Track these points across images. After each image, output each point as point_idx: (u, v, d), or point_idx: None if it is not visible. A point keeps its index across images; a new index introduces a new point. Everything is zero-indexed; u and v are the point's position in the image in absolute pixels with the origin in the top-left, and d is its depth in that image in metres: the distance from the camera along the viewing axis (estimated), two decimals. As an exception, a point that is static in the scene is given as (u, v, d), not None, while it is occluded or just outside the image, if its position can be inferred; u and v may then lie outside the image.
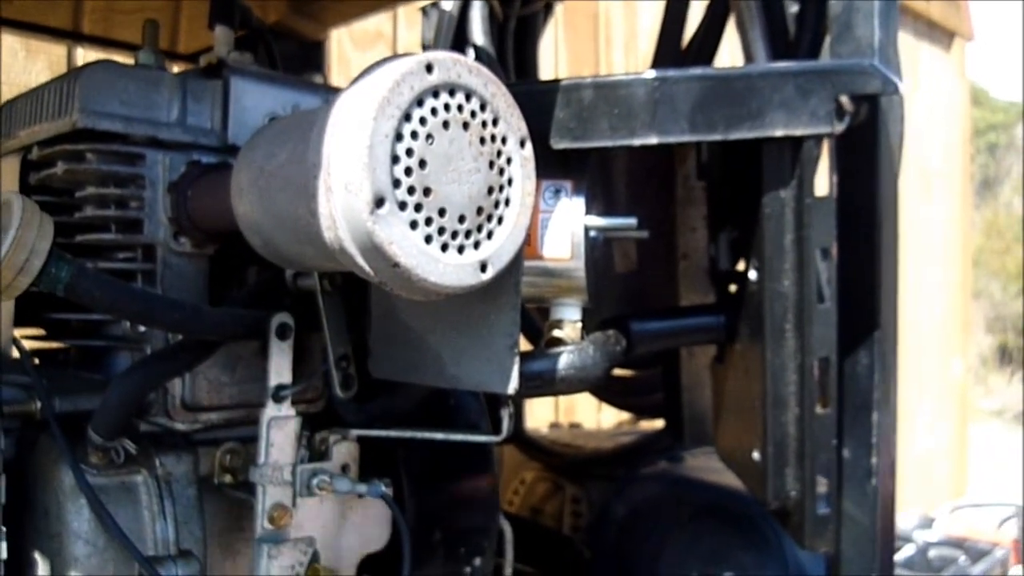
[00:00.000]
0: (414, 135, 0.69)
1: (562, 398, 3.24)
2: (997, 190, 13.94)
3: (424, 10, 1.57)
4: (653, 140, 0.89)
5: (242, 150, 0.84)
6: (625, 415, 2.20)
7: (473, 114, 0.72)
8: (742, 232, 1.04)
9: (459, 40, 1.50)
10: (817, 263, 0.91)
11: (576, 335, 0.94)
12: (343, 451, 0.96)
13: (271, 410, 0.92)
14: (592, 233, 0.90)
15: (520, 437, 1.81)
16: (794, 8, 1.23)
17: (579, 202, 0.89)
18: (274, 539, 0.91)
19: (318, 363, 1.00)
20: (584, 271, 0.89)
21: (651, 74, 0.90)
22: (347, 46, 2.81)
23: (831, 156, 0.92)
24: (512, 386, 0.81)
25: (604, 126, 0.90)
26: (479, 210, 0.73)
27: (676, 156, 1.15)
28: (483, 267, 0.74)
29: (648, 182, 1.14)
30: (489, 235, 0.75)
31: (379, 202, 0.67)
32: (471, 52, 1.48)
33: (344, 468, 0.96)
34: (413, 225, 0.69)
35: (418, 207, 0.69)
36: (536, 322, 1.39)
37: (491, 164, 0.74)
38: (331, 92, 1.06)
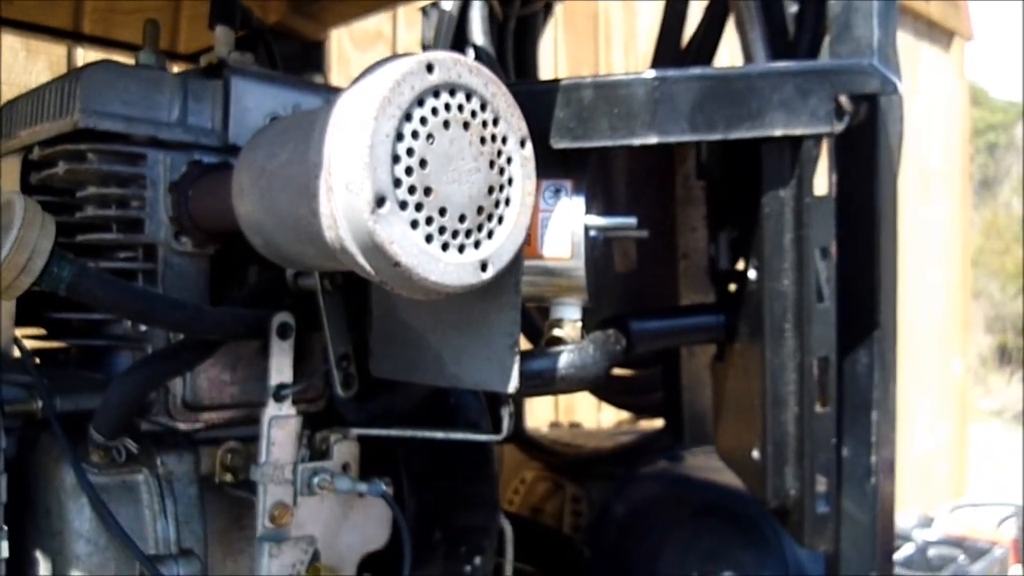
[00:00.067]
0: (415, 135, 0.69)
1: (562, 398, 3.25)
2: (996, 190, 13.94)
3: (424, 10, 1.57)
4: (653, 140, 0.90)
5: (243, 150, 0.84)
6: (625, 414, 2.20)
7: (473, 114, 0.73)
8: (742, 231, 1.05)
9: (459, 40, 1.50)
10: (816, 262, 0.91)
11: (576, 334, 0.94)
12: (344, 450, 0.96)
13: (272, 409, 0.92)
14: (592, 233, 0.90)
15: (520, 436, 1.81)
16: (793, 8, 1.23)
17: (579, 202, 0.89)
18: (275, 538, 0.91)
19: (319, 362, 1.00)
20: (584, 270, 0.90)
21: (651, 74, 0.90)
22: (347, 46, 2.81)
23: (830, 156, 0.92)
24: (512, 385, 0.82)
25: (604, 126, 0.90)
26: (479, 209, 0.74)
27: (676, 156, 1.15)
28: (483, 266, 0.74)
29: (648, 182, 1.15)
30: (489, 234, 0.75)
31: (380, 201, 0.67)
32: (471, 52, 1.48)
33: (345, 467, 0.96)
34: (414, 224, 0.69)
35: (419, 206, 0.70)
36: (536, 321, 1.39)
37: (491, 164, 0.74)
38: (332, 92, 1.06)
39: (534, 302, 0.98)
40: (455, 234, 0.72)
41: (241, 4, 1.13)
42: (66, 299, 0.80)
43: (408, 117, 0.69)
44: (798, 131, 0.87)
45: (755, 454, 0.97)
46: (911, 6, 5.49)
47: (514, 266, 0.79)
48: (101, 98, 0.92)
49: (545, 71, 1.81)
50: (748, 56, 1.27)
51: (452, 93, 0.72)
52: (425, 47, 1.55)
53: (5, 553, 0.86)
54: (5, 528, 0.86)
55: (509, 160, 0.76)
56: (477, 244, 0.74)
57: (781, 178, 0.90)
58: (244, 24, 1.18)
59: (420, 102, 0.70)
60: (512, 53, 1.62)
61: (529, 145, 0.77)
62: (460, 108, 0.72)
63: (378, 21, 2.92)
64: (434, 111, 0.70)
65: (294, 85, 1.04)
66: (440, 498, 1.14)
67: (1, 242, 0.74)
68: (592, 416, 3.24)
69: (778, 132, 0.87)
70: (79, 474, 0.89)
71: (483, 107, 0.73)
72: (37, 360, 1.02)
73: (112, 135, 0.93)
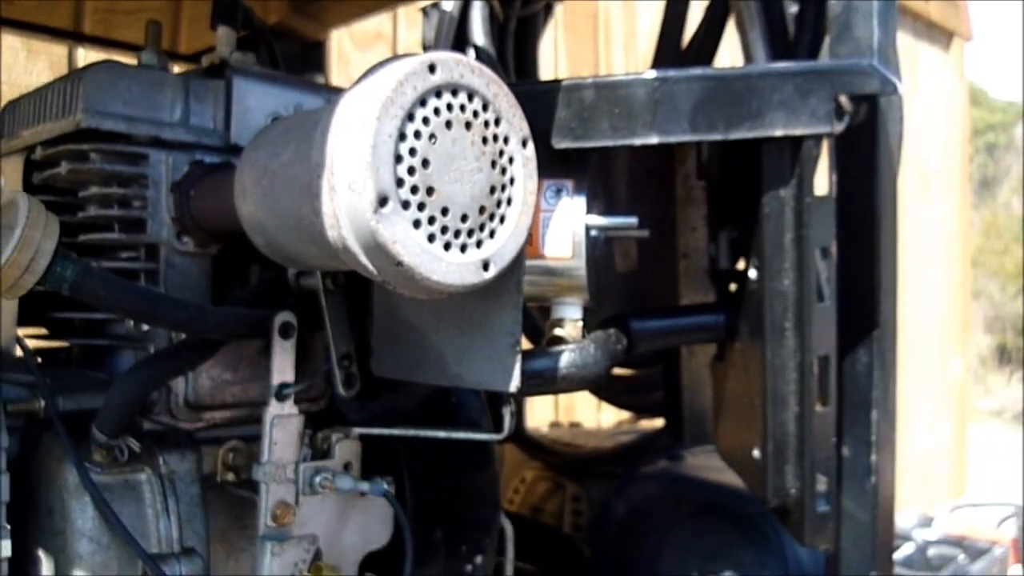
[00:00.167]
0: (417, 135, 0.69)
1: (562, 398, 3.25)
2: (996, 190, 13.94)
3: (424, 10, 1.57)
4: (654, 140, 0.90)
5: (246, 150, 0.84)
6: (625, 414, 2.20)
7: (476, 114, 0.73)
8: (742, 231, 1.05)
9: (459, 40, 1.50)
10: (817, 262, 0.91)
11: (577, 334, 0.94)
12: (345, 449, 0.96)
13: (274, 408, 0.92)
14: (593, 232, 0.90)
15: (521, 436, 1.81)
16: (793, 8, 1.23)
17: (580, 201, 0.90)
18: (277, 537, 0.92)
19: (321, 362, 1.00)
20: (585, 270, 0.90)
21: (652, 74, 0.90)
22: (347, 46, 2.81)
23: (830, 156, 0.92)
24: (514, 384, 0.82)
25: (605, 126, 0.91)
26: (481, 209, 0.74)
27: (676, 156, 1.15)
28: (485, 266, 0.75)
29: (649, 182, 1.15)
30: (491, 234, 0.75)
31: (382, 201, 0.67)
32: (471, 52, 1.48)
33: (346, 466, 0.96)
34: (416, 224, 0.70)
35: (421, 206, 0.70)
36: (537, 321, 1.40)
37: (493, 163, 0.75)
38: (333, 92, 1.07)
39: (535, 301, 0.99)
40: (457, 233, 0.73)
41: (242, 4, 1.13)
42: (68, 299, 0.80)
43: (411, 117, 0.69)
44: (798, 131, 0.87)
45: (755, 453, 0.97)
46: (911, 6, 5.49)
47: (516, 266, 0.79)
48: (104, 98, 0.92)
49: (545, 71, 1.82)
50: (748, 56, 1.28)
51: (454, 93, 0.72)
52: (426, 47, 1.55)
53: (8, 552, 0.86)
54: (8, 527, 0.86)
55: (511, 160, 0.76)
56: (479, 244, 0.74)
57: (781, 178, 0.90)
58: (245, 24, 1.18)
59: (423, 102, 0.70)
60: (512, 53, 1.62)
61: (531, 145, 0.78)
62: (462, 108, 0.72)
63: (378, 21, 2.93)
64: (436, 111, 0.71)
65: (296, 85, 1.04)
66: (441, 497, 1.15)
67: (5, 242, 0.74)
68: (592, 416, 3.24)
69: (778, 132, 0.88)
70: (82, 473, 0.89)
71: (485, 107, 0.74)
72: (39, 359, 1.02)
73: (114, 135, 0.93)
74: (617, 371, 1.61)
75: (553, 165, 0.89)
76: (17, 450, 0.92)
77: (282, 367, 0.93)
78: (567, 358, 0.92)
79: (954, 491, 5.92)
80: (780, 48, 1.24)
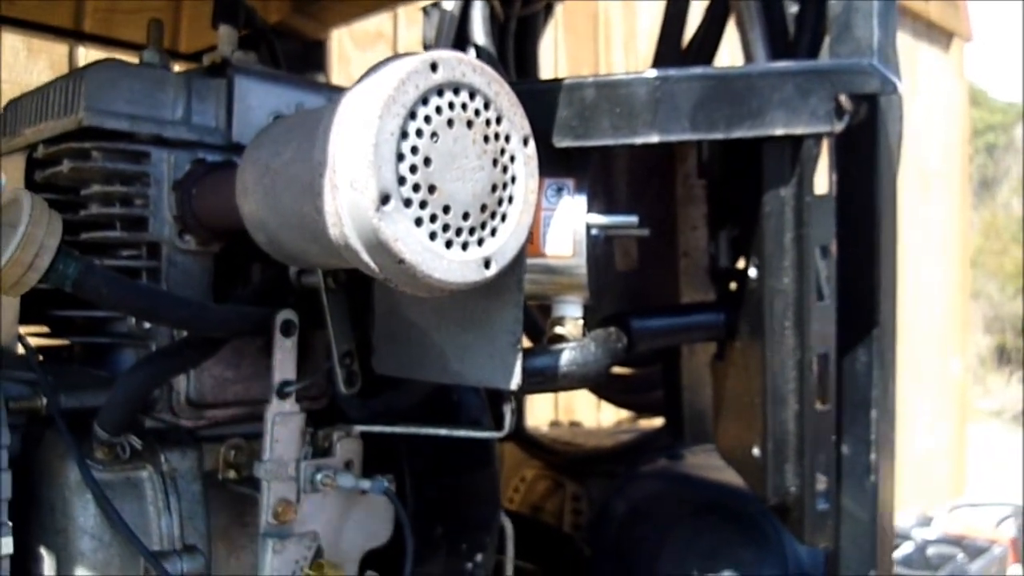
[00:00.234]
0: (419, 133, 0.70)
1: (562, 397, 3.25)
2: (995, 190, 13.95)
3: (425, 10, 1.58)
4: (654, 139, 0.90)
5: (247, 148, 0.85)
6: (625, 413, 2.20)
7: (477, 112, 0.73)
8: (742, 230, 1.05)
9: (460, 40, 1.50)
10: (817, 261, 0.91)
11: (578, 332, 0.94)
12: (347, 447, 0.97)
13: (275, 406, 0.92)
14: (594, 231, 0.91)
15: (521, 435, 1.81)
16: (794, 8, 1.24)
17: (581, 200, 0.90)
18: (278, 534, 0.92)
19: (322, 360, 1.00)
20: (585, 268, 0.90)
21: (652, 73, 0.90)
22: (348, 46, 2.81)
23: (831, 155, 0.92)
24: (515, 382, 0.82)
25: (606, 125, 0.91)
26: (483, 207, 0.74)
27: (677, 155, 1.16)
28: (487, 264, 0.75)
29: (649, 181, 1.15)
30: (493, 232, 0.76)
31: (384, 199, 0.68)
32: (472, 52, 1.49)
33: (347, 464, 0.96)
34: (418, 222, 0.70)
35: (423, 204, 0.70)
36: (538, 319, 1.40)
37: (495, 162, 0.75)
38: (334, 91, 1.07)
39: (536, 300, 0.99)
40: (459, 231, 0.73)
41: (244, 4, 1.13)
42: (70, 296, 0.81)
43: (412, 115, 0.69)
44: (798, 130, 0.88)
45: (755, 452, 0.97)
46: (911, 6, 5.50)
47: (517, 264, 0.79)
48: (106, 97, 0.92)
49: (545, 71, 1.82)
50: (748, 56, 1.28)
51: (456, 92, 0.72)
52: (426, 47, 1.56)
53: (9, 549, 0.86)
54: (9, 524, 0.86)
55: (512, 158, 0.76)
56: (480, 242, 0.75)
57: (781, 177, 0.91)
58: (246, 23, 1.18)
59: (424, 101, 0.70)
60: (513, 53, 1.62)
61: (532, 143, 0.78)
62: (464, 107, 0.72)
63: (379, 21, 2.93)
64: (438, 110, 0.71)
65: (297, 84, 1.05)
66: (442, 495, 1.15)
67: (8, 239, 0.75)
68: (592, 415, 3.24)
69: (779, 131, 0.88)
70: (83, 471, 0.89)
71: (486, 106, 0.74)
72: (41, 357, 1.03)
73: (116, 133, 0.93)
74: (617, 370, 1.61)
75: (554, 164, 0.89)
76: (19, 447, 0.92)
77: (283, 365, 0.93)
78: (568, 356, 0.92)
79: (953, 491, 5.92)
80: (780, 48, 1.24)
